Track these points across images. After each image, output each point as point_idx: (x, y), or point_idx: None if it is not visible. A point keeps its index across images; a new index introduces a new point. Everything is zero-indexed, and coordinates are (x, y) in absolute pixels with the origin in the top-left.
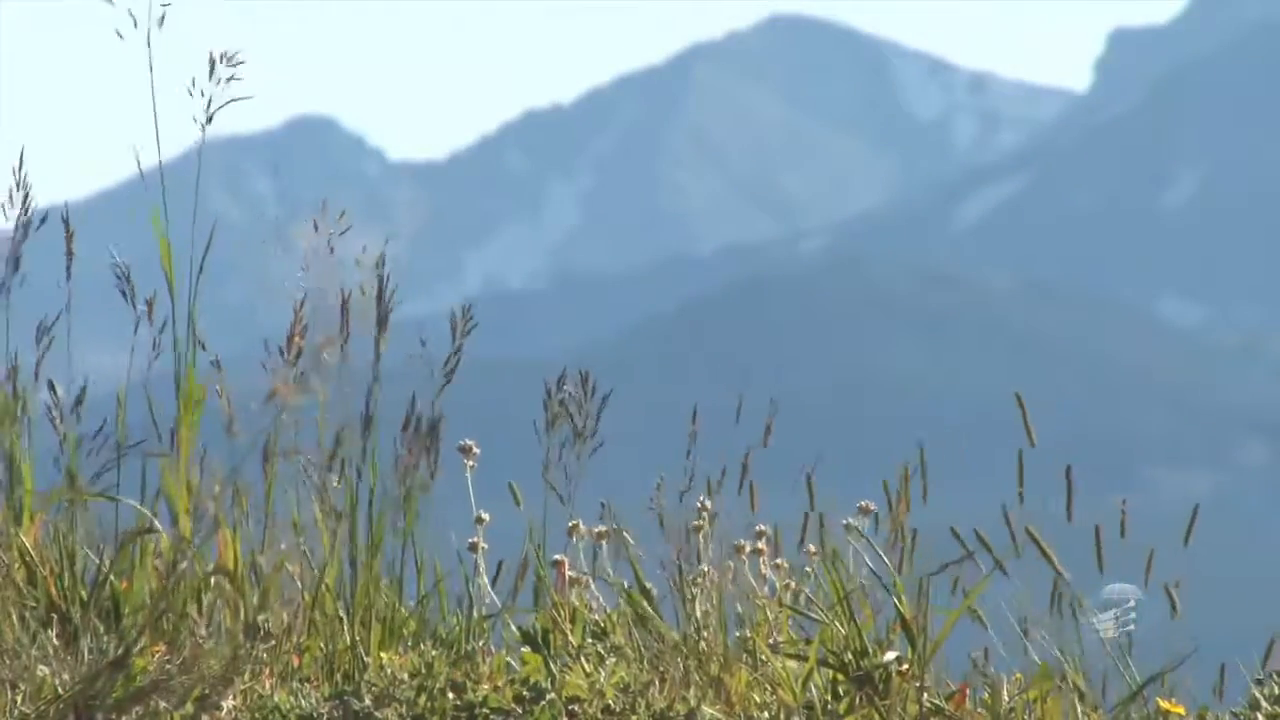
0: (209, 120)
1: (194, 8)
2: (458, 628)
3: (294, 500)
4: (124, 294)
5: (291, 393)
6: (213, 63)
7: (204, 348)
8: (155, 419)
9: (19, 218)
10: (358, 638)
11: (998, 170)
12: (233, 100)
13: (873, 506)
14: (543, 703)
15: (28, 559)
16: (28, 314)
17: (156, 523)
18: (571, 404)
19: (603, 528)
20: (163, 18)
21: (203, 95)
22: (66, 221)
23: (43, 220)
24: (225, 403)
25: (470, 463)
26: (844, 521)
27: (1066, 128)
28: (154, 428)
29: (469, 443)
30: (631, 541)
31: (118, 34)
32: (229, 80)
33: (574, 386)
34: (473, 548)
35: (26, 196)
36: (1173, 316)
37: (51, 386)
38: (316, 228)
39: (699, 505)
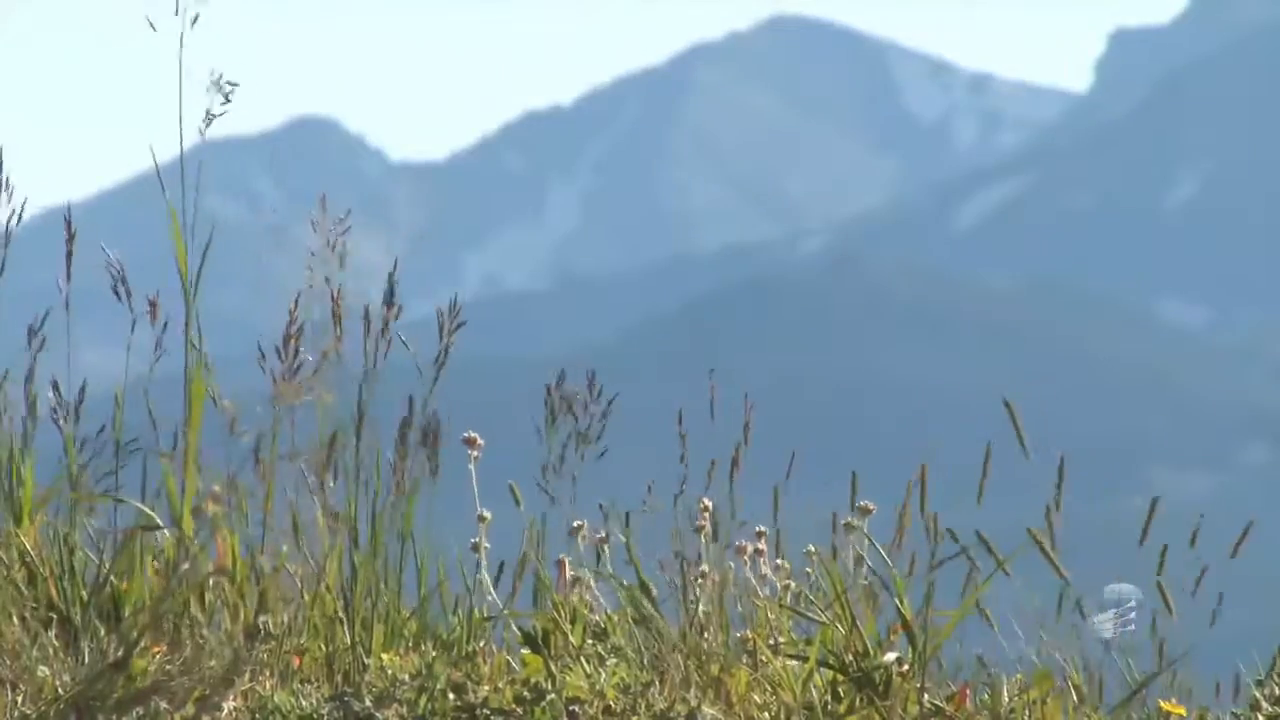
0: (206, 125)
1: (194, 8)
2: (458, 628)
3: (294, 501)
4: (116, 293)
5: (295, 394)
6: (214, 81)
7: (197, 348)
8: (154, 419)
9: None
10: (358, 638)
11: (998, 170)
12: (224, 111)
13: (873, 507)
14: (543, 703)
15: (28, 559)
16: (26, 315)
17: (158, 519)
18: (577, 405)
19: (602, 533)
20: (196, 18)
21: (209, 101)
22: (69, 221)
23: (19, 218)
24: (222, 404)
25: (474, 453)
26: (844, 523)
27: (1066, 128)
28: (153, 428)
29: (473, 434)
30: (632, 541)
31: (151, 26)
32: (224, 101)
33: (579, 387)
34: (474, 548)
35: (12, 198)
36: (1173, 316)
37: (31, 399)
38: (315, 228)
39: (700, 505)
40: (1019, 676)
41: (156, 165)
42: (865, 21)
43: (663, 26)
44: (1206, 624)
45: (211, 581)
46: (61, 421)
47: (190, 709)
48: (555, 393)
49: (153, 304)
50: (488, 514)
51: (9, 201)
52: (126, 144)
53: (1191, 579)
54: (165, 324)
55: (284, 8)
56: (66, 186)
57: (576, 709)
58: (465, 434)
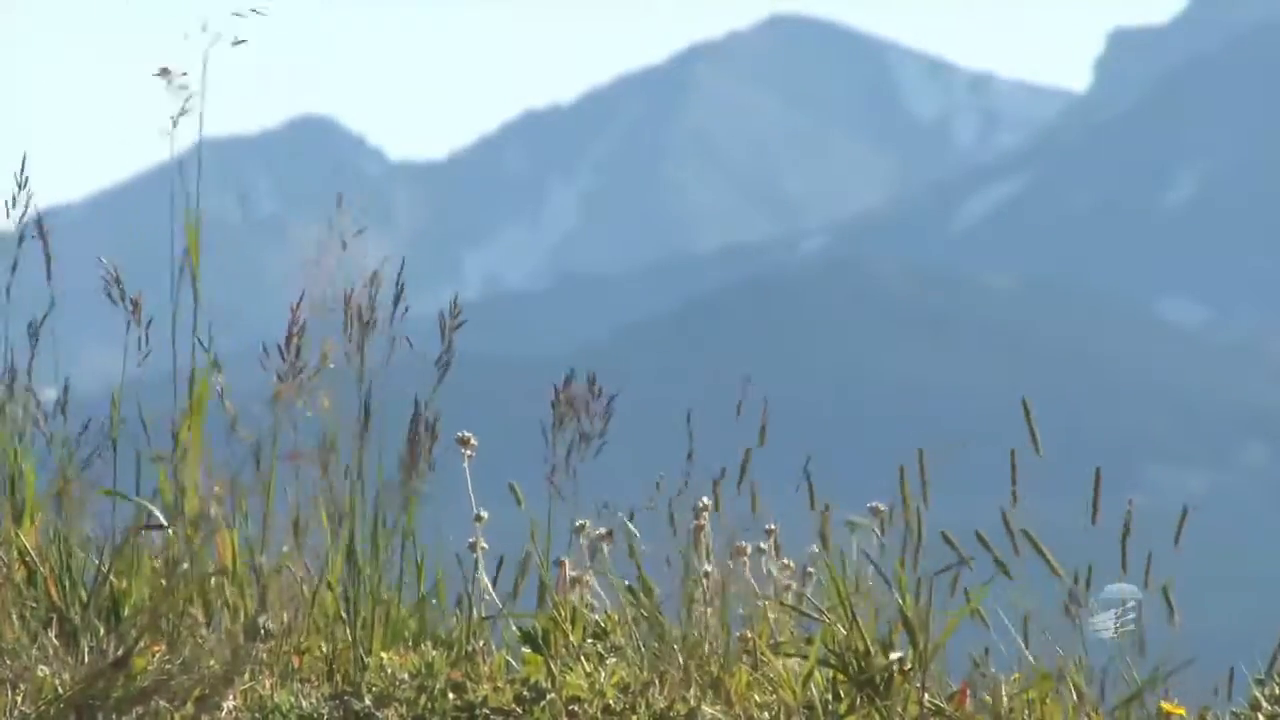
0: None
1: (193, 7)
2: (458, 628)
3: (295, 501)
4: (109, 295)
5: (295, 394)
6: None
7: (205, 348)
8: (144, 419)
9: (19, 221)
10: (358, 638)
11: (998, 170)
12: (184, 113)
13: (884, 508)
14: (543, 703)
15: (27, 559)
16: (26, 315)
17: (159, 515)
18: (579, 406)
19: (604, 530)
20: (239, 41)
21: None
22: (40, 222)
23: (39, 225)
24: (227, 403)
25: (468, 452)
26: (845, 520)
27: (1066, 128)
28: (143, 429)
29: (467, 434)
30: (632, 539)
31: (185, 36)
32: (184, 99)
33: (580, 389)
34: (472, 547)
35: (28, 201)
36: (1173, 316)
37: (33, 400)
38: (331, 227)
39: (700, 505)
40: (1018, 676)
41: (201, 150)
42: (865, 21)
43: (663, 26)
44: (1206, 623)
45: (212, 581)
46: (45, 422)
47: (190, 708)
48: (562, 395)
49: (134, 303)
50: (484, 514)
51: (26, 205)
52: (126, 144)
53: (1187, 578)
54: (149, 322)
55: (284, 7)
56: (65, 187)
57: (576, 708)
58: (459, 433)
